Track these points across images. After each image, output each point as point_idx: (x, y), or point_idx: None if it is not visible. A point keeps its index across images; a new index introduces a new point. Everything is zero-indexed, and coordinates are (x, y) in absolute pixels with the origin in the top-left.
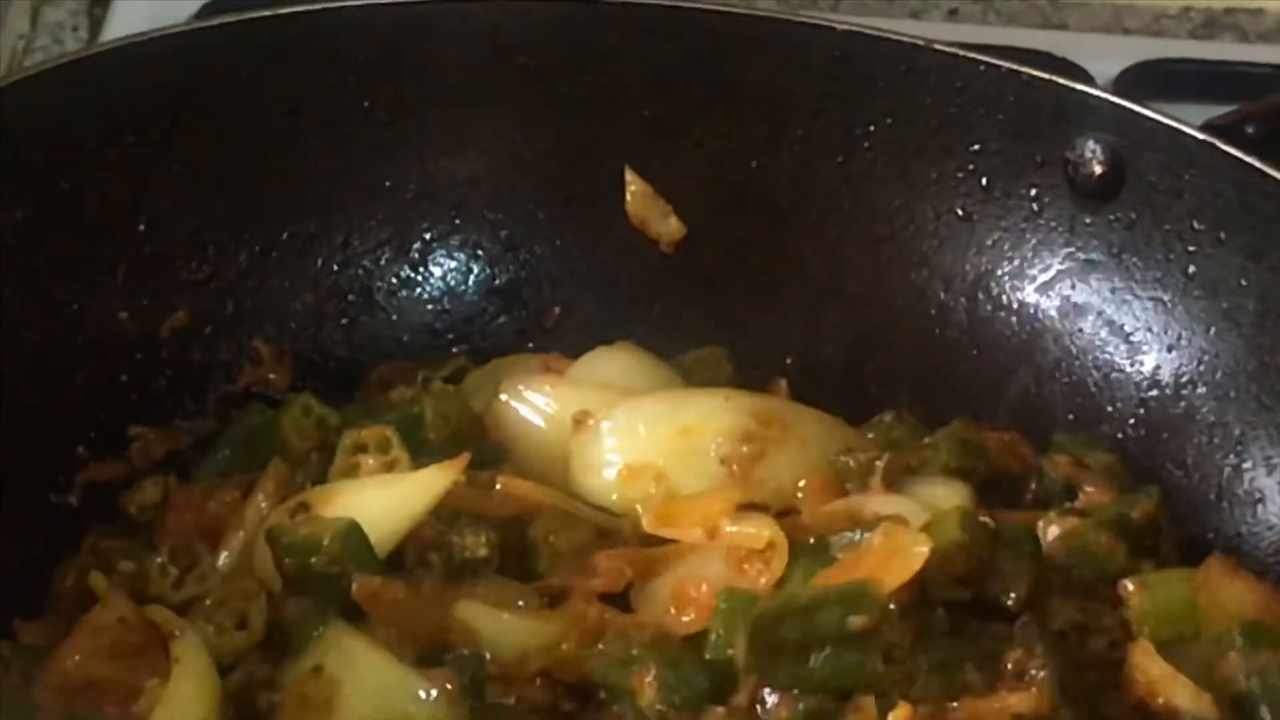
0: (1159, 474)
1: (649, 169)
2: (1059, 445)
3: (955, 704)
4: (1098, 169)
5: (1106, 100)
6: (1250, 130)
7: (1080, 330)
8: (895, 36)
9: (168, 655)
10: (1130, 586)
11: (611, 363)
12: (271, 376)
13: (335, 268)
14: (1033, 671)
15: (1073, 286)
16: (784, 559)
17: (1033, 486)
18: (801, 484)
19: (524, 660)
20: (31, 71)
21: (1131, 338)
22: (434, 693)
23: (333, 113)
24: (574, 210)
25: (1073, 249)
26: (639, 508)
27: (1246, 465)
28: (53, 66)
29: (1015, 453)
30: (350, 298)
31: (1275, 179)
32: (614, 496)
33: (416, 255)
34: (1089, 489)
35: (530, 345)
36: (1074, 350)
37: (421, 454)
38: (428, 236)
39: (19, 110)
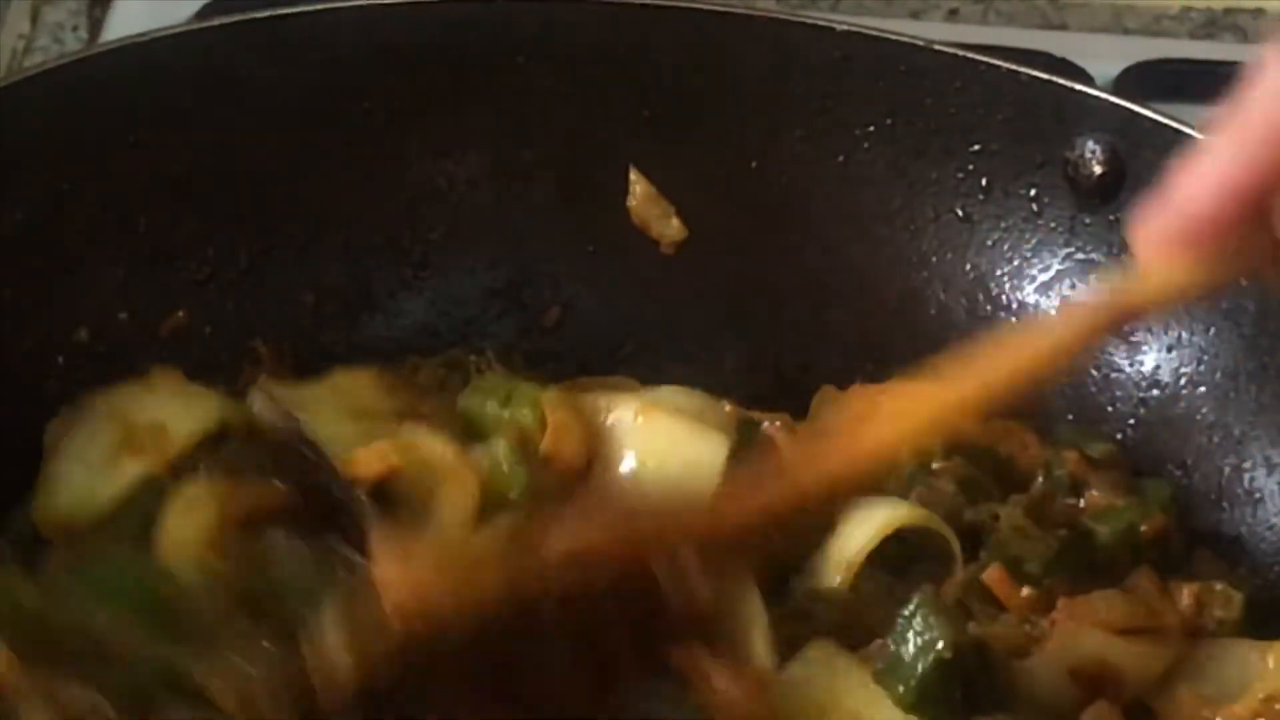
0: (1158, 474)
1: (648, 169)
2: (1063, 437)
3: None
4: (1097, 169)
5: (1106, 100)
6: None
7: None
8: (895, 36)
9: None
10: None
11: None
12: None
13: (335, 268)
14: None
15: (1073, 286)
16: None
17: (1039, 480)
18: None
19: None
20: (31, 71)
21: (1131, 338)
22: None
23: (333, 113)
24: (574, 210)
25: (1072, 249)
26: None
27: (1246, 465)
28: (53, 66)
29: (1019, 440)
30: (350, 298)
31: None
32: None
33: (417, 256)
34: (1095, 492)
35: (531, 345)
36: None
37: None
38: (430, 238)
39: (19, 110)
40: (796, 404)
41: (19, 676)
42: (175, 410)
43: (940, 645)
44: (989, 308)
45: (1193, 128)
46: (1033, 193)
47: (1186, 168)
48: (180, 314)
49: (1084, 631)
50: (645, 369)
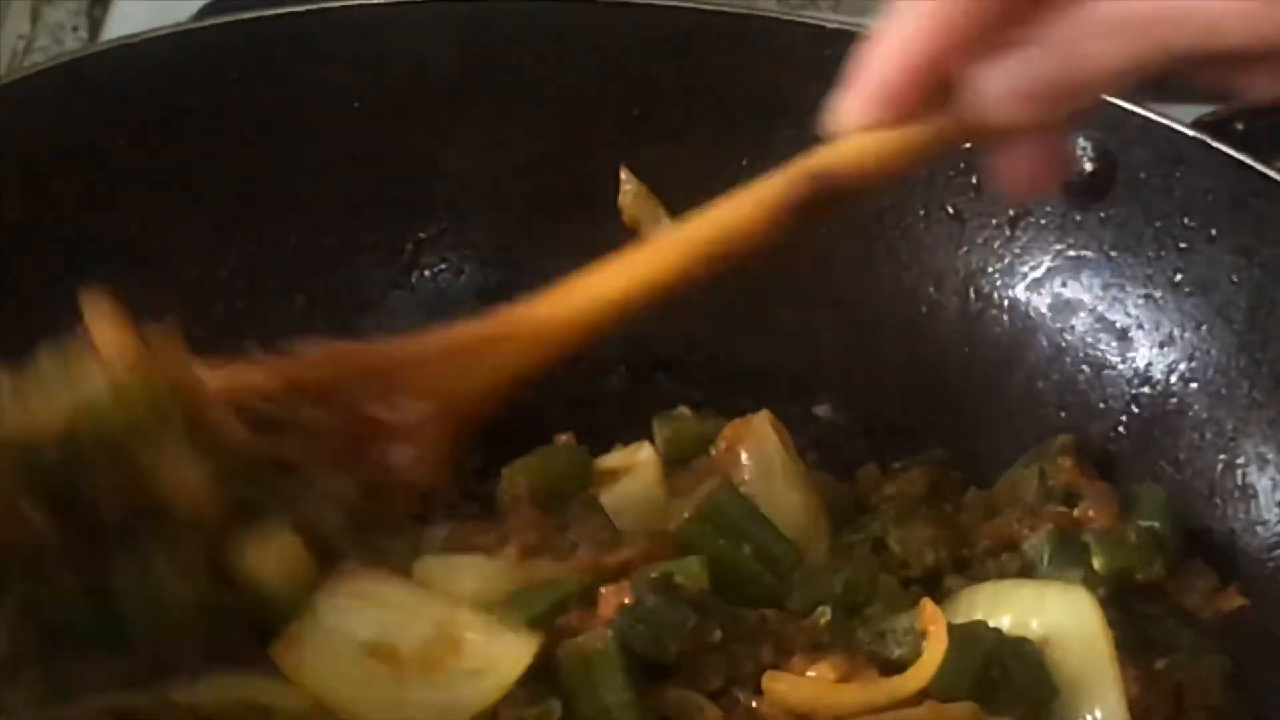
0: (1151, 470)
1: (640, 169)
2: (1062, 447)
3: None
4: (1088, 166)
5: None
6: (1240, 127)
7: (1071, 327)
8: None
9: None
10: None
11: None
12: None
13: (328, 268)
14: None
15: (1064, 284)
16: None
17: (1035, 486)
18: None
19: None
20: (31, 71)
21: (1123, 335)
22: None
23: (327, 113)
24: (566, 211)
25: (1063, 246)
26: None
27: (1239, 461)
28: (53, 66)
29: None
30: (342, 298)
31: (1266, 176)
32: None
33: (409, 256)
34: (1090, 510)
35: None
36: (1065, 347)
37: None
38: (420, 237)
39: (19, 110)
40: (789, 402)
41: None
42: None
43: None
44: (980, 305)
45: (1183, 125)
46: None
47: (872, 40)
48: (172, 314)
49: None
50: (637, 369)
